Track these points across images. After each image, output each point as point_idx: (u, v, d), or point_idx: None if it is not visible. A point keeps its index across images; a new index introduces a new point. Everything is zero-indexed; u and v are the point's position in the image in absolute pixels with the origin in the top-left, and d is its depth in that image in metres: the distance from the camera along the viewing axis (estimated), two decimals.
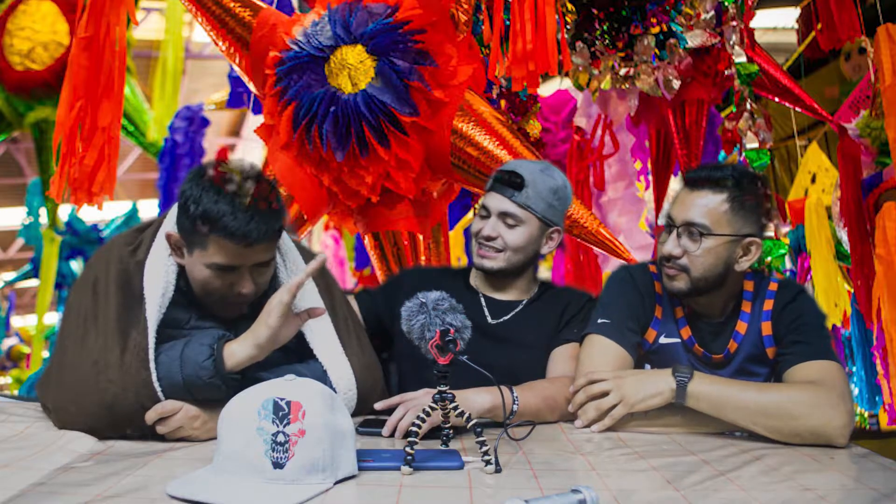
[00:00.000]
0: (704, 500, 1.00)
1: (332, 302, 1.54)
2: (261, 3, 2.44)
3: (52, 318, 7.99)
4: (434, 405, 1.15)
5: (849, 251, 3.19)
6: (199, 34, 7.73)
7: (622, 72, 2.67)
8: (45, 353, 5.88)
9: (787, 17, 6.22)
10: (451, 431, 1.26)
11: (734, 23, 2.44)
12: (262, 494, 0.95)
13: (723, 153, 3.58)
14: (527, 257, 1.71)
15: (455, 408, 1.15)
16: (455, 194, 2.59)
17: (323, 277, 1.56)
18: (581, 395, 1.42)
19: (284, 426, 0.98)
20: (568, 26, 2.66)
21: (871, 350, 4.12)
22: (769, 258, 2.24)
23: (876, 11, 2.93)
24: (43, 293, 5.34)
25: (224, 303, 1.39)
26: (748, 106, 2.39)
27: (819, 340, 1.47)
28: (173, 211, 1.44)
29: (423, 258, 2.37)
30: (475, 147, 2.18)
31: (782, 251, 2.26)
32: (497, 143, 2.17)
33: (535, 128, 3.17)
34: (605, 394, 1.40)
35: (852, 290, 3.75)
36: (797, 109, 3.07)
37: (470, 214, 3.90)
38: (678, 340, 1.58)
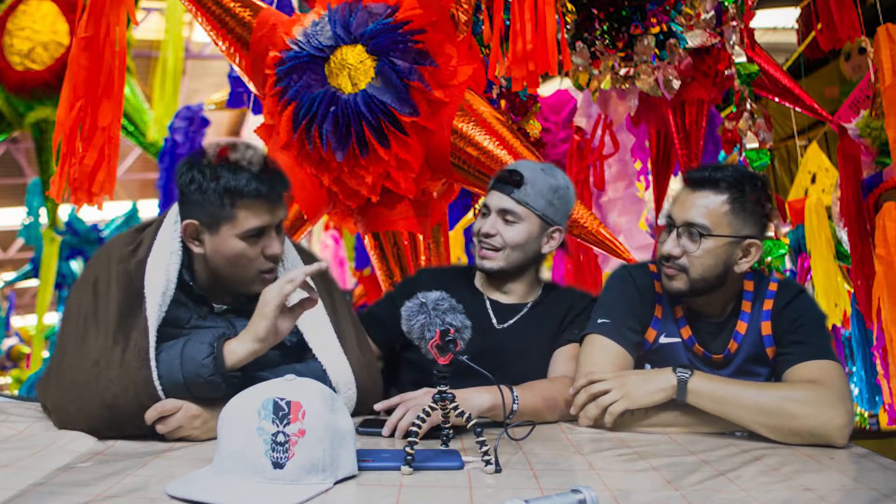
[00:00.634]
0: (704, 500, 1.00)
1: (332, 302, 1.54)
2: (261, 3, 2.44)
3: (52, 318, 7.99)
4: (434, 405, 1.15)
5: (849, 251, 3.19)
6: (199, 34, 7.72)
7: (622, 72, 2.67)
8: (45, 353, 5.88)
9: (787, 17, 6.22)
10: (451, 431, 1.26)
11: (734, 23, 2.44)
12: (262, 494, 0.95)
13: (723, 153, 3.58)
14: (527, 256, 1.71)
15: (455, 408, 1.15)
16: (455, 194, 2.59)
17: (323, 278, 1.56)
18: (582, 396, 1.42)
19: (284, 426, 0.98)
20: (568, 26, 2.66)
21: (871, 350, 4.12)
22: (769, 258, 2.24)
23: (876, 11, 2.93)
24: (43, 293, 5.34)
25: (255, 274, 1.42)
26: (748, 106, 2.39)
27: (819, 340, 1.47)
28: (173, 210, 1.44)
29: (423, 258, 2.37)
30: (475, 147, 2.18)
31: (782, 251, 2.26)
32: (497, 143, 2.17)
33: (535, 128, 3.17)
34: (606, 393, 1.40)
35: (852, 290, 3.75)
36: (797, 109, 3.07)
37: (470, 214, 3.90)
38: (678, 340, 1.59)
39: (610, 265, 3.63)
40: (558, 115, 4.09)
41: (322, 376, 1.41)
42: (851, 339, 4.31)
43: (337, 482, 1.01)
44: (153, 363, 1.26)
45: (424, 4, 2.16)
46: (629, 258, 2.13)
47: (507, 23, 2.08)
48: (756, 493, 1.03)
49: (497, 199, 1.69)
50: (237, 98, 4.04)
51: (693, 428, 1.41)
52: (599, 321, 1.55)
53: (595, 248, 2.31)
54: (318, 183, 2.30)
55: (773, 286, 1.57)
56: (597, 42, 2.64)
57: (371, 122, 2.12)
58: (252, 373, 1.31)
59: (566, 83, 3.93)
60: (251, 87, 2.51)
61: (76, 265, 6.44)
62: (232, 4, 2.38)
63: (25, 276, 7.76)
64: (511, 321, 1.72)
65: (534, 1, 1.94)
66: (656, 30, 2.57)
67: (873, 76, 2.75)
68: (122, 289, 1.35)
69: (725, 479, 1.09)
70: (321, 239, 6.65)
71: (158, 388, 1.26)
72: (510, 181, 1.68)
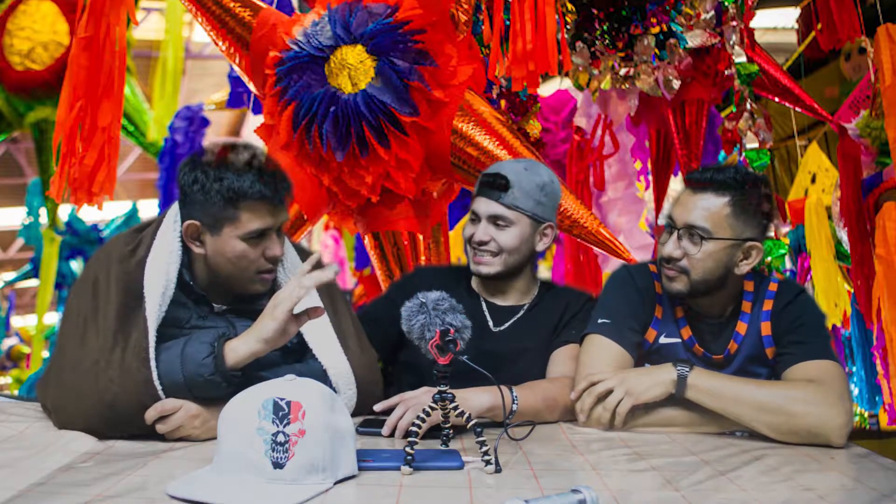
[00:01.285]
0: (704, 500, 1.00)
1: (333, 302, 1.54)
2: (261, 3, 2.44)
3: (52, 318, 7.99)
4: (434, 405, 1.15)
5: (849, 251, 3.19)
6: (199, 34, 7.72)
7: (622, 72, 2.67)
8: (45, 353, 5.88)
9: (787, 17, 6.22)
10: (451, 431, 1.26)
11: (734, 23, 2.44)
12: (262, 494, 0.95)
13: (723, 153, 3.58)
14: (522, 257, 1.70)
15: (455, 408, 1.15)
16: (455, 194, 2.59)
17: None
18: (588, 399, 1.42)
19: (284, 426, 0.98)
20: (568, 26, 2.66)
21: (871, 350, 4.12)
22: (769, 258, 2.24)
23: (876, 11, 2.92)
24: (43, 293, 5.34)
25: (255, 275, 1.42)
26: (748, 106, 2.39)
27: (818, 340, 1.47)
28: (173, 209, 1.44)
29: (423, 258, 2.37)
30: (475, 147, 2.18)
31: (782, 251, 2.26)
32: (497, 143, 2.17)
33: (535, 128, 3.17)
34: (609, 392, 1.40)
35: (852, 290, 3.75)
36: (797, 109, 3.07)
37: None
38: (678, 340, 1.59)
39: (610, 265, 3.63)
40: (558, 115, 4.09)
41: (322, 376, 1.41)
42: (851, 339, 4.32)
43: (337, 482, 1.01)
44: (153, 363, 1.26)
45: (424, 4, 2.16)
46: (629, 258, 2.13)
47: (507, 23, 2.08)
48: (756, 493, 1.03)
49: (485, 206, 1.68)
50: (237, 98, 4.04)
51: (693, 427, 1.41)
52: (600, 321, 1.55)
53: (595, 248, 2.30)
54: (318, 183, 2.30)
55: (773, 286, 1.57)
56: (597, 42, 2.64)
57: (371, 122, 2.12)
58: (252, 373, 1.31)
59: (566, 83, 3.93)
60: (251, 87, 2.51)
61: (76, 265, 6.44)
62: (232, 4, 2.38)
63: (25, 276, 7.76)
64: (507, 324, 1.71)
65: (534, 1, 1.94)
66: (656, 30, 2.57)
67: (873, 76, 2.75)
68: (122, 289, 1.34)
69: (725, 479, 1.09)
70: (321, 239, 6.65)
71: (158, 388, 1.26)
72: (496, 186, 1.67)
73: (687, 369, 1.38)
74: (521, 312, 1.73)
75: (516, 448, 1.26)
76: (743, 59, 2.42)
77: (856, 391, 4.34)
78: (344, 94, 2.15)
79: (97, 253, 1.46)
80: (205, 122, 5.43)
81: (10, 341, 10.93)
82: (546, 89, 4.01)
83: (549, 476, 1.09)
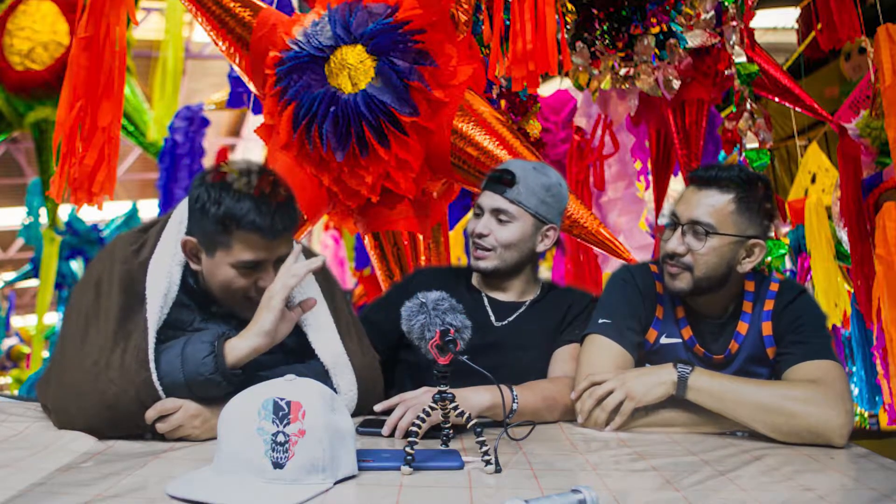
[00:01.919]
0: (704, 500, 1.00)
1: (334, 302, 1.54)
2: (261, 3, 2.44)
3: (52, 318, 8.00)
4: (434, 405, 1.15)
5: (849, 251, 3.19)
6: (199, 34, 7.73)
7: (622, 72, 2.67)
8: (45, 353, 5.88)
9: (787, 17, 6.22)
10: (451, 431, 1.26)
11: (734, 23, 2.44)
12: (262, 494, 0.95)
13: (723, 153, 3.58)
14: (521, 255, 1.70)
15: (455, 407, 1.15)
16: (455, 194, 2.59)
17: (325, 278, 1.56)
18: (589, 401, 1.42)
19: (284, 426, 0.98)
20: (568, 26, 2.66)
21: (871, 350, 4.12)
22: (769, 258, 2.24)
23: (876, 11, 2.92)
24: (43, 293, 5.34)
25: (246, 301, 1.38)
26: (748, 106, 2.39)
27: (819, 340, 1.47)
28: (179, 210, 1.44)
29: (423, 258, 2.37)
30: (475, 147, 2.18)
31: (782, 251, 2.26)
32: (497, 143, 2.17)
33: (535, 128, 3.18)
34: (610, 394, 1.40)
35: (852, 290, 3.75)
36: (797, 109, 3.07)
37: (470, 214, 3.89)
38: (679, 341, 1.59)
39: (610, 265, 3.63)
40: (558, 115, 4.09)
41: (323, 376, 1.41)
42: (851, 339, 4.32)
43: (337, 482, 1.01)
44: (152, 364, 1.26)
45: (424, 4, 2.16)
46: (629, 258, 2.13)
47: (507, 23, 2.08)
48: (756, 493, 1.03)
49: (489, 199, 1.70)
50: (237, 98, 4.05)
51: (693, 427, 1.41)
52: (600, 321, 1.55)
53: (595, 248, 2.31)
54: (318, 183, 2.30)
55: (774, 286, 1.57)
56: (597, 42, 2.64)
57: (371, 122, 2.12)
58: (252, 373, 1.31)
59: (566, 83, 3.93)
60: (251, 87, 2.51)
61: (76, 265, 6.44)
62: (232, 4, 2.38)
63: (25, 276, 7.76)
64: (510, 319, 1.72)
65: (534, 1, 1.94)
66: (656, 30, 2.57)
67: (873, 76, 2.75)
68: (124, 289, 1.34)
69: (725, 479, 1.09)
70: (321, 239, 6.66)
71: (159, 388, 1.25)
72: (502, 181, 1.68)
73: (688, 370, 1.38)
74: (524, 308, 1.73)
75: (516, 448, 1.25)
76: (743, 59, 2.42)
77: (856, 391, 4.34)
78: (344, 94, 2.15)
79: (101, 253, 1.46)
80: (205, 122, 5.44)
81: (10, 341, 10.93)
82: (546, 89, 4.01)
83: (549, 476, 1.09)
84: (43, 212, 5.91)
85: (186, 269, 1.41)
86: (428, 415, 1.14)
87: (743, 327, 1.55)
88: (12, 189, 9.79)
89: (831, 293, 3.87)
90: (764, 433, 1.34)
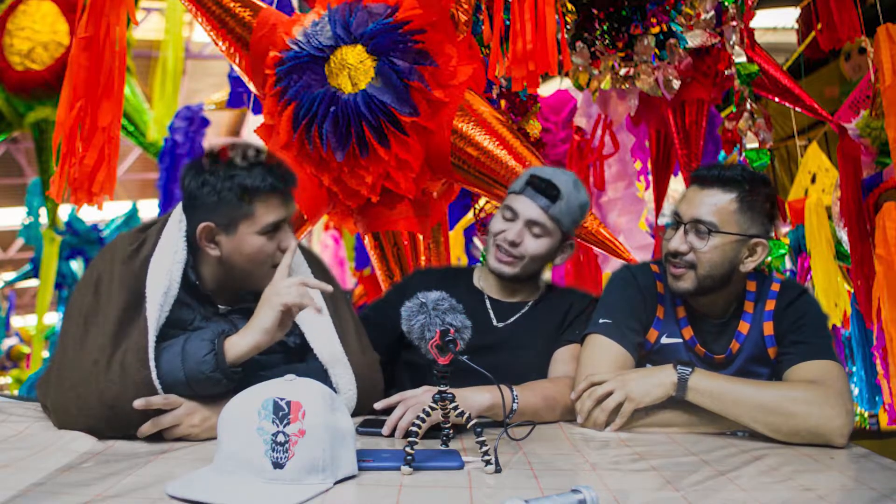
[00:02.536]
0: (704, 500, 1.00)
1: (334, 302, 1.54)
2: (261, 3, 2.44)
3: (52, 318, 7.99)
4: (434, 405, 1.15)
5: (849, 251, 3.19)
6: (199, 34, 7.72)
7: (622, 72, 2.67)
8: (45, 353, 5.88)
9: (787, 17, 6.22)
10: (451, 431, 1.26)
11: (734, 23, 2.44)
12: (262, 494, 0.95)
13: (723, 153, 3.58)
14: (540, 266, 1.72)
15: (455, 407, 1.15)
16: (455, 194, 2.59)
17: (325, 278, 1.56)
18: (588, 401, 1.42)
19: (284, 426, 0.98)
20: (568, 26, 2.66)
21: (871, 350, 4.12)
22: (769, 258, 2.24)
23: (876, 11, 2.92)
24: (43, 293, 5.33)
25: (269, 268, 1.43)
26: (748, 106, 2.39)
27: (820, 340, 1.47)
28: (178, 209, 1.44)
29: (423, 258, 2.37)
30: (475, 147, 2.18)
31: (782, 251, 2.26)
32: (497, 143, 2.17)
33: (535, 128, 3.17)
34: (609, 394, 1.40)
35: (852, 290, 3.75)
36: (797, 109, 3.07)
37: (470, 214, 3.89)
38: (680, 341, 1.59)
39: (610, 265, 3.63)
40: (558, 115, 4.09)
41: (323, 376, 1.41)
42: (851, 339, 4.32)
43: (337, 482, 1.01)
44: (152, 363, 1.26)
45: (424, 4, 2.16)
46: (629, 258, 2.13)
47: (507, 23, 2.08)
48: (756, 493, 1.03)
49: (527, 209, 1.66)
50: (237, 98, 4.05)
51: (693, 428, 1.41)
52: (601, 321, 1.55)
53: (595, 248, 2.30)
54: (318, 183, 2.30)
55: (775, 286, 1.57)
56: (597, 42, 2.64)
57: (371, 122, 2.12)
58: (252, 373, 1.31)
59: (566, 83, 3.93)
60: (251, 87, 2.51)
61: (76, 265, 6.44)
62: (232, 4, 2.38)
63: (25, 276, 7.75)
64: (510, 320, 1.72)
65: (534, 1, 1.94)
66: (656, 30, 2.57)
67: (873, 76, 2.75)
68: (125, 289, 1.34)
69: (725, 479, 1.09)
70: (321, 239, 6.65)
71: (159, 388, 1.25)
72: (547, 194, 1.64)
73: (688, 372, 1.38)
74: (525, 309, 1.73)
75: (516, 448, 1.25)
76: (743, 59, 2.42)
77: (856, 391, 4.34)
78: (344, 94, 2.15)
79: (101, 252, 1.46)
80: (205, 122, 5.43)
81: (10, 341, 10.92)
82: (546, 89, 4.01)
83: (549, 476, 1.09)
84: (43, 212, 5.91)
85: (188, 268, 1.41)
86: (428, 415, 1.14)
87: (744, 327, 1.55)
88: (12, 189, 9.79)
89: (831, 293, 3.88)
90: (764, 433, 1.34)
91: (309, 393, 1.02)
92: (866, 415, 4.67)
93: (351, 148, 2.16)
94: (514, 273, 1.68)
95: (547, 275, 5.84)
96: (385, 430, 1.32)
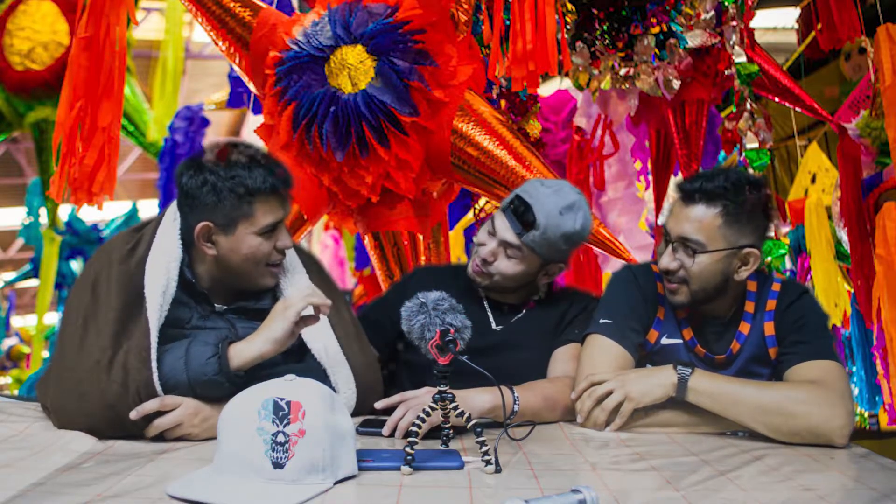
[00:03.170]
0: (704, 500, 1.00)
1: (333, 303, 1.54)
2: (261, 3, 2.44)
3: (52, 318, 7.99)
4: (434, 405, 1.15)
5: (849, 251, 3.19)
6: (199, 34, 7.73)
7: (622, 72, 2.67)
8: (45, 353, 5.88)
9: (787, 17, 6.23)
10: (451, 431, 1.26)
11: (734, 23, 2.44)
12: (262, 494, 0.95)
13: (723, 153, 3.58)
14: (518, 284, 1.69)
15: (455, 408, 1.15)
16: (455, 194, 2.59)
17: (323, 280, 1.57)
18: (588, 401, 1.42)
19: (284, 426, 0.98)
20: (568, 26, 2.66)
21: (871, 350, 4.12)
22: (769, 258, 2.24)
23: (876, 11, 2.92)
24: (43, 293, 5.34)
25: (266, 268, 1.45)
26: (748, 106, 2.39)
27: (820, 341, 1.47)
28: (172, 208, 1.44)
29: (423, 258, 2.37)
30: (475, 147, 2.17)
31: (782, 251, 2.26)
32: (497, 143, 2.17)
33: (535, 128, 3.17)
34: (609, 394, 1.40)
35: (852, 290, 3.75)
36: (797, 109, 3.07)
37: (470, 214, 3.89)
38: (680, 341, 1.58)
39: (610, 265, 3.62)
40: (558, 115, 4.09)
41: (322, 376, 1.41)
42: (851, 339, 4.31)
43: (337, 482, 1.01)
44: (154, 363, 1.26)
45: (424, 4, 2.16)
46: (629, 258, 2.13)
47: (507, 23, 2.08)
48: (756, 493, 1.03)
49: (503, 230, 1.63)
50: (237, 98, 4.04)
51: (693, 428, 1.41)
52: (601, 321, 1.55)
53: (595, 248, 2.30)
54: (318, 183, 2.30)
55: (776, 287, 1.57)
56: (597, 42, 2.64)
57: (371, 122, 2.12)
58: (253, 373, 1.31)
59: (566, 83, 3.92)
60: (251, 87, 2.51)
61: (76, 265, 6.44)
62: (232, 4, 2.38)
63: (25, 276, 7.76)
64: (509, 322, 1.71)
65: (534, 1, 1.94)
66: (656, 30, 2.57)
67: (873, 76, 2.75)
68: (123, 289, 1.34)
69: (725, 479, 1.09)
70: (321, 239, 6.65)
71: (159, 388, 1.25)
72: (523, 220, 1.60)
73: (688, 372, 1.38)
74: (524, 311, 1.73)
75: (516, 448, 1.25)
76: (743, 59, 2.42)
77: (856, 391, 4.34)
78: (344, 94, 2.15)
79: (96, 253, 1.46)
80: (205, 122, 5.43)
81: (10, 341, 10.93)
82: (546, 89, 4.01)
83: (549, 476, 1.09)
84: (43, 212, 5.91)
85: (184, 266, 1.41)
86: (428, 415, 1.14)
87: (745, 327, 1.55)
88: (12, 189, 9.79)
89: (831, 293, 3.87)
90: (764, 434, 1.34)
91: (309, 393, 1.02)
92: (866, 415, 4.66)
93: (351, 148, 2.16)
94: (486, 285, 1.69)
95: None
96: (385, 430, 1.32)
